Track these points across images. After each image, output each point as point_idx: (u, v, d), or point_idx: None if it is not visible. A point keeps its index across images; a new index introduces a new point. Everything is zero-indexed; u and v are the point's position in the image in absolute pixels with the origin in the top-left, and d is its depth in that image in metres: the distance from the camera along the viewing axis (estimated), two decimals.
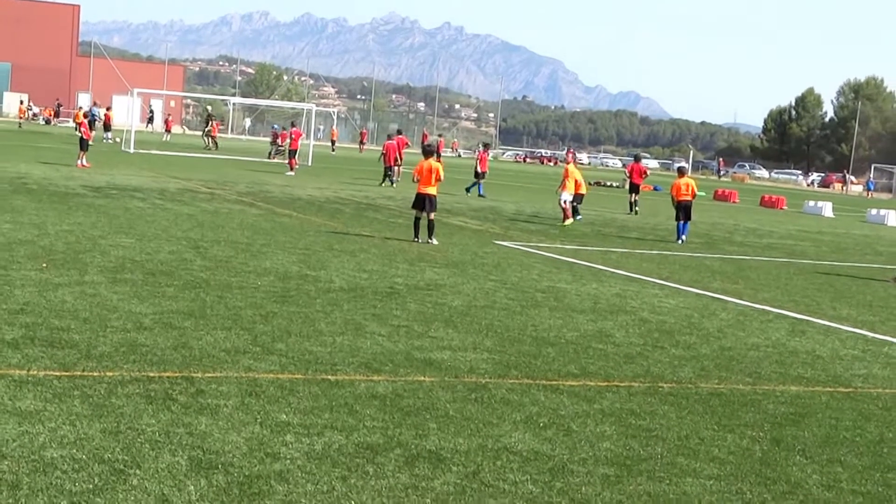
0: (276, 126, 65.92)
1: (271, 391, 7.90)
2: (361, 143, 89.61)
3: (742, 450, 7.55)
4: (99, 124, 60.50)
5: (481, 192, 37.76)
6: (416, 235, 19.66)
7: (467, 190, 38.29)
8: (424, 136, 69.54)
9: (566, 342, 10.96)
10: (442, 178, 20.13)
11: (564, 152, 58.19)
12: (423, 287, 13.94)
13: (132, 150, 49.71)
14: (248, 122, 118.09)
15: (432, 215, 19.71)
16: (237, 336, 9.74)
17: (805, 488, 6.82)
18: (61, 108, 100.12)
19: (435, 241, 19.43)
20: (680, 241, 25.10)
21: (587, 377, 9.41)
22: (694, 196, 26.18)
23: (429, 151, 20.66)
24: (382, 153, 40.25)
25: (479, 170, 39.02)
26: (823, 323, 14.15)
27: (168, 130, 72.10)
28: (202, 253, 15.39)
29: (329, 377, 8.51)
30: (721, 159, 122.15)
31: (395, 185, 38.28)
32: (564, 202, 27.76)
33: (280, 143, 53.93)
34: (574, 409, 8.20)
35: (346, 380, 8.48)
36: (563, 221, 27.55)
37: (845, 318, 14.73)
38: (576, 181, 28.29)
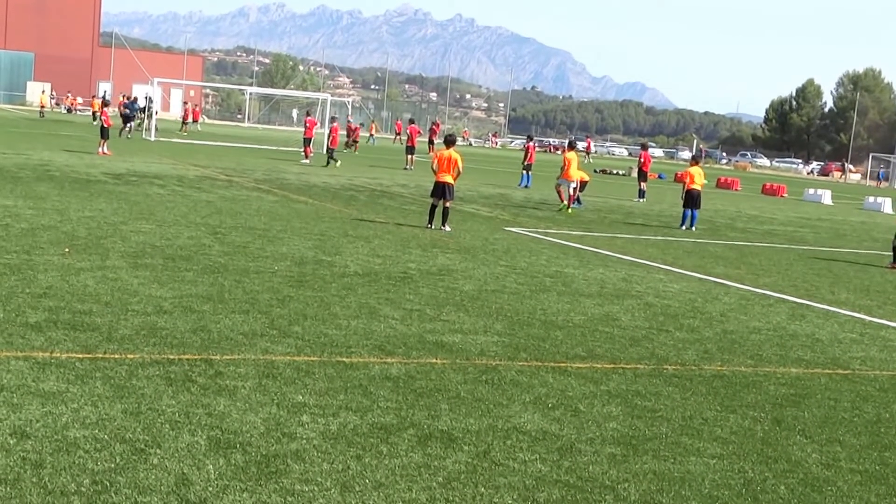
0: (351, 120, 65.97)
1: (288, 373, 7.91)
2: (397, 134, 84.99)
3: (744, 430, 7.53)
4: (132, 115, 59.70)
5: (528, 184, 37.42)
6: (430, 222, 19.64)
7: (523, 186, 37.41)
8: (436, 125, 69.34)
9: (574, 325, 10.94)
10: (461, 169, 20.05)
11: (566, 141, 57.93)
12: (436, 272, 13.93)
13: (152, 139, 49.77)
14: (295, 112, 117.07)
15: (448, 203, 19.70)
16: (254, 319, 9.74)
17: (805, 467, 6.80)
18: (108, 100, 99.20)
19: (448, 229, 19.42)
20: (684, 228, 25.04)
21: (594, 359, 9.40)
22: (701, 185, 26.20)
23: (449, 141, 20.63)
24: (329, 136, 40.82)
25: (527, 161, 38.53)
26: (822, 307, 14.11)
27: (195, 120, 71.37)
28: (220, 238, 15.40)
29: (344, 359, 8.51)
30: (703, 148, 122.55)
31: (338, 164, 38.89)
32: (571, 189, 27.58)
33: (355, 138, 55.43)
34: (581, 391, 8.19)
35: (361, 362, 8.48)
36: (567, 207, 27.38)
37: (844, 303, 14.68)
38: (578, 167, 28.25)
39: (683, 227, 25.08)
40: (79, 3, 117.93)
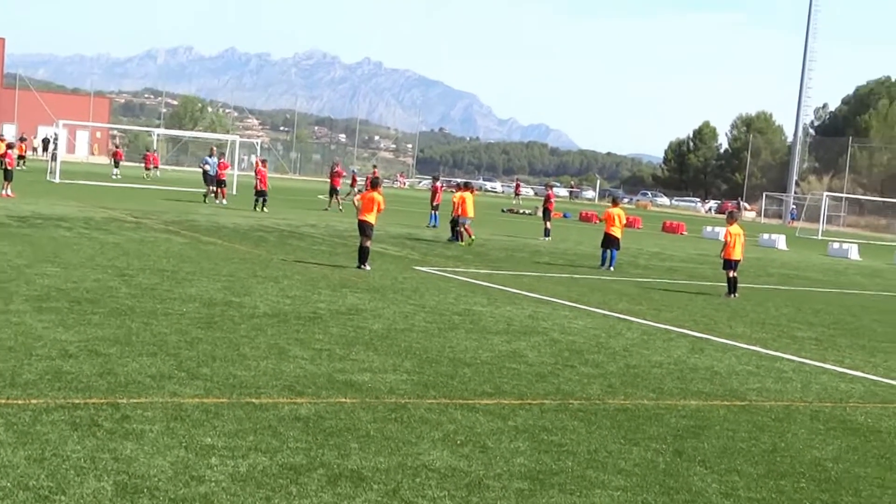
0: (353, 168, 65.23)
1: (196, 415, 7.78)
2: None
3: (647, 462, 7.63)
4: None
5: (437, 223, 37.45)
6: (361, 262, 19.75)
7: (432, 226, 37.52)
8: (336, 165, 69.16)
9: (481, 362, 10.99)
10: (383, 209, 20.50)
11: (513, 183, 59.05)
12: (345, 312, 13.87)
13: (57, 181, 48.71)
14: (247, 158, 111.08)
15: (368, 242, 19.82)
16: (162, 362, 9.58)
17: (705, 496, 6.92)
18: (49, 142, 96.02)
19: (367, 268, 19.48)
20: (603, 268, 24.73)
21: (501, 396, 9.44)
22: (622, 227, 25.65)
23: (374, 183, 20.89)
24: (257, 178, 39.84)
25: (435, 202, 38.86)
26: (721, 341, 14.41)
27: (155, 166, 68.94)
28: (128, 281, 15.13)
29: (253, 400, 8.41)
30: (573, 184, 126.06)
31: (265, 209, 38.03)
32: (468, 224, 29.68)
33: (355, 186, 52.61)
34: (489, 427, 8.22)
35: (270, 402, 8.39)
36: (465, 240, 29.29)
37: (740, 336, 15.02)
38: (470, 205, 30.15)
39: (603, 268, 24.93)
40: None
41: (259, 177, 39.26)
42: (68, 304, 12.49)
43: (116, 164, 62.77)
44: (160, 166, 70.47)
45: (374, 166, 62.03)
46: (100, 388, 8.35)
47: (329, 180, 45.08)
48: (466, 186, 32.30)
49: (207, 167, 42.59)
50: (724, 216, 23.37)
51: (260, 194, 38.61)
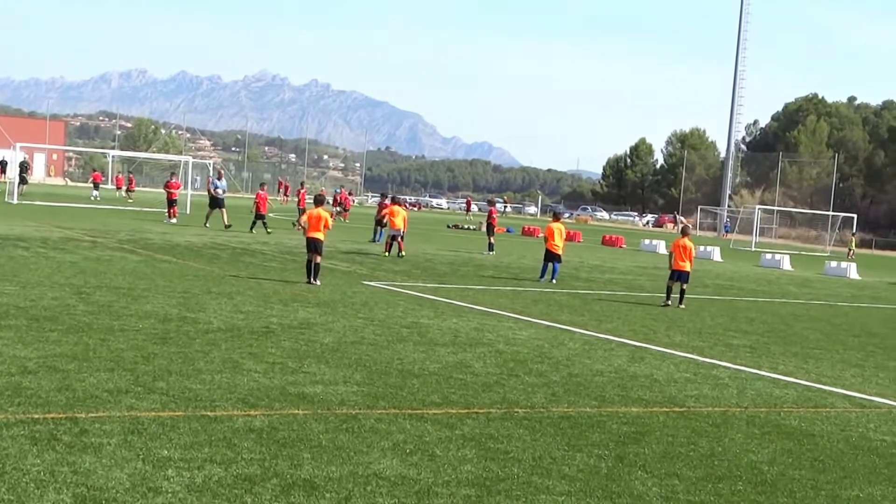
0: (337, 189, 65.14)
1: (153, 428, 7.71)
2: (285, 193, 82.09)
3: (590, 467, 7.69)
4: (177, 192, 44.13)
5: (379, 239, 37.35)
6: (309, 277, 19.73)
7: (373, 241, 37.56)
8: (280, 184, 68.93)
9: (429, 373, 11.00)
10: (330, 226, 20.50)
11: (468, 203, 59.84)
12: (297, 326, 13.82)
13: (15, 201, 47.97)
14: (247, 175, 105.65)
15: (318, 258, 19.82)
16: (119, 377, 9.47)
17: (646, 500, 6.99)
18: (7, 165, 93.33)
19: (318, 283, 19.49)
20: (543, 280, 24.93)
21: (449, 405, 9.46)
22: (564, 241, 25.73)
23: (318, 201, 21.04)
24: (255, 202, 39.51)
25: (379, 217, 38.88)
26: (659, 349, 14.56)
27: (129, 189, 67.52)
28: (85, 298, 14.93)
29: (208, 413, 8.35)
30: (506, 198, 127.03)
31: (269, 231, 37.81)
32: (400, 238, 30.59)
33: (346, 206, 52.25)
34: (437, 436, 8.23)
35: (225, 415, 8.34)
36: (401, 252, 30.32)
37: (678, 345, 15.19)
38: (403, 219, 31.12)
39: (542, 279, 25.03)
40: None
41: (258, 200, 38.90)
42: (27, 321, 12.31)
43: (96, 187, 63.11)
44: (122, 187, 70.00)
45: (342, 187, 62.70)
46: (58, 403, 8.24)
47: (289, 199, 44.85)
48: (394, 202, 33.33)
49: (219, 191, 40.59)
50: (670, 229, 24.00)
51: (259, 217, 38.30)
